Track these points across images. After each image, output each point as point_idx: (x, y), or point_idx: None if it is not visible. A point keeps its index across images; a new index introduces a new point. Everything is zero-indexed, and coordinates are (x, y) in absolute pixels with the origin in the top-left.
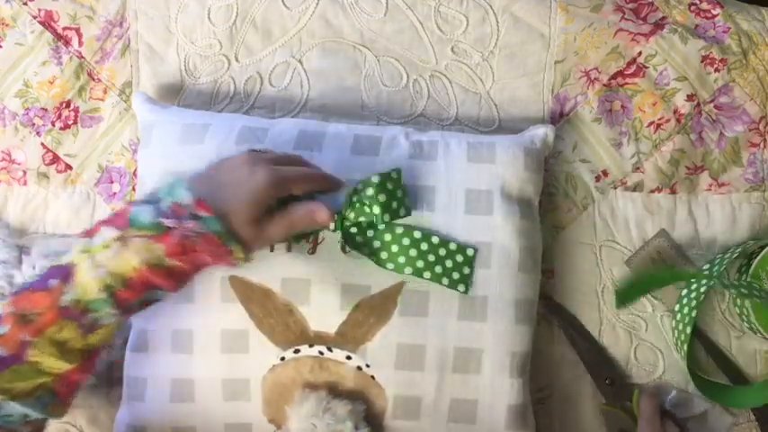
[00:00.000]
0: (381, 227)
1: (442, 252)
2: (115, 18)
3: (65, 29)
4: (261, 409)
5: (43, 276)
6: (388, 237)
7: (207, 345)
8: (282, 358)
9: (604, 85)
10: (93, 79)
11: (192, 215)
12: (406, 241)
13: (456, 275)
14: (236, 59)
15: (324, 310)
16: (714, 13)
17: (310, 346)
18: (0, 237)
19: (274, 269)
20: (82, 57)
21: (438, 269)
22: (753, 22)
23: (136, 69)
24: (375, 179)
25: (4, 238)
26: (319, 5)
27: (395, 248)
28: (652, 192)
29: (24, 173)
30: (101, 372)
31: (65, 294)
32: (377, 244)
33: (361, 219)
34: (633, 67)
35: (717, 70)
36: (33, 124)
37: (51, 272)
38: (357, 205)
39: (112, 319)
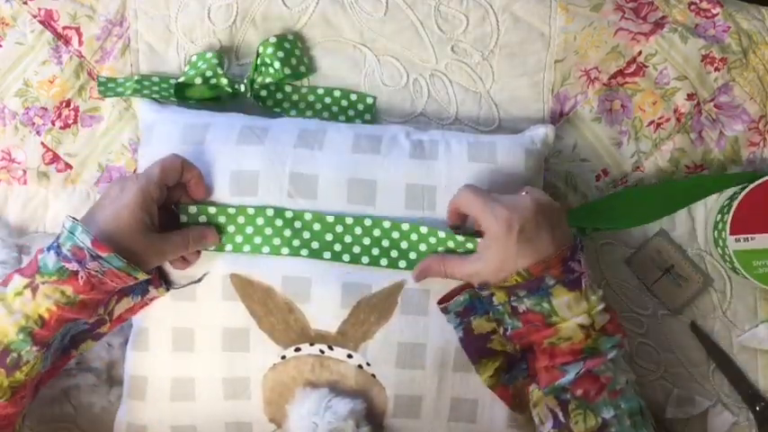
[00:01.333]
0: (289, 89)
1: (344, 103)
2: (115, 17)
3: (65, 28)
4: (261, 408)
5: None
6: (295, 97)
7: (207, 343)
8: (283, 357)
9: (604, 84)
10: (94, 79)
11: (93, 256)
12: (311, 98)
13: (357, 120)
14: (236, 58)
15: (324, 309)
16: (714, 12)
17: (311, 344)
18: (0, 236)
19: (275, 267)
20: (82, 56)
21: (341, 117)
22: (753, 21)
23: (136, 69)
24: (272, 40)
25: (3, 238)
26: (319, 5)
27: (302, 105)
28: None
29: (24, 172)
30: (101, 371)
31: None
32: (286, 104)
33: (268, 80)
34: (633, 67)
35: (717, 69)
36: (33, 123)
37: None
38: (262, 68)
39: (34, 354)
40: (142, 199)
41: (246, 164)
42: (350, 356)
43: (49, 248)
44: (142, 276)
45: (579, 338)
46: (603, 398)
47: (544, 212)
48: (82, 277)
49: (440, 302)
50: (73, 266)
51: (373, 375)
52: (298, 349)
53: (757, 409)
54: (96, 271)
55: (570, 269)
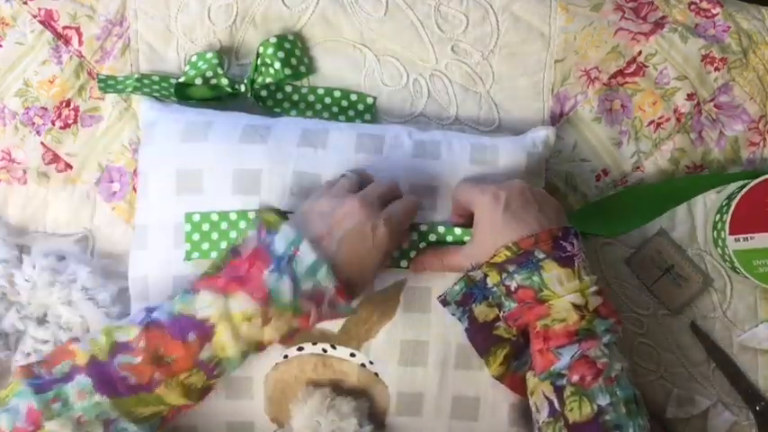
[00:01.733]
0: (289, 89)
1: (345, 103)
2: (115, 17)
3: (65, 28)
4: (263, 408)
5: (179, 325)
6: (295, 97)
7: None
8: (286, 356)
9: (604, 84)
10: (94, 78)
11: (331, 302)
12: (311, 98)
13: (357, 120)
14: (237, 58)
15: None
16: (714, 12)
17: (314, 343)
18: (0, 236)
19: None
20: (82, 56)
21: (341, 117)
22: (753, 21)
23: (136, 69)
24: (272, 40)
25: (4, 238)
26: (319, 5)
27: (302, 105)
28: None
29: (24, 172)
30: None
31: (203, 351)
32: (286, 104)
33: (268, 80)
34: (633, 67)
35: (717, 69)
36: (33, 123)
37: (187, 324)
38: (262, 68)
39: (234, 367)
40: (393, 245)
41: (249, 162)
42: (353, 355)
43: (278, 270)
44: (351, 314)
45: (573, 319)
46: (599, 384)
47: (533, 192)
48: (313, 317)
49: (439, 297)
50: (309, 306)
51: (376, 374)
52: (300, 348)
53: (757, 409)
54: (326, 314)
55: (562, 247)
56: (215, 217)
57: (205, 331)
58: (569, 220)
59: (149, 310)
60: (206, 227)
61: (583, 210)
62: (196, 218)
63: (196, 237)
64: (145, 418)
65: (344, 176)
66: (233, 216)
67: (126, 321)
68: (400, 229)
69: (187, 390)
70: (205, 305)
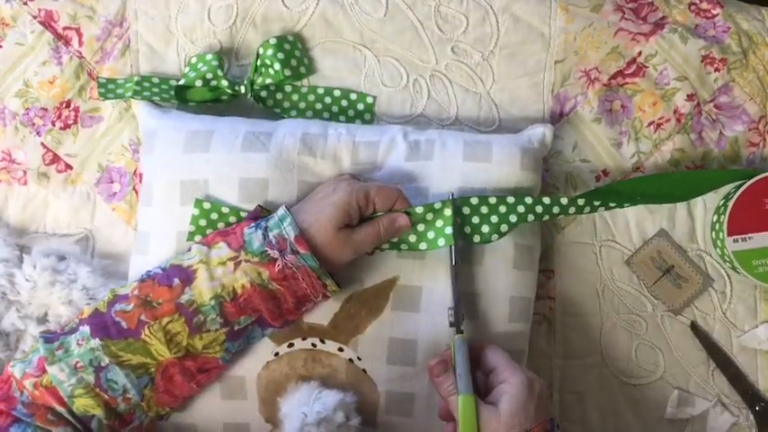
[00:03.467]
0: (288, 89)
1: (344, 103)
2: (115, 18)
3: (65, 29)
4: (257, 408)
5: (168, 273)
6: (295, 97)
7: None
8: (276, 354)
9: (604, 84)
10: (94, 79)
11: (293, 250)
12: (311, 98)
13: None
14: (236, 59)
15: (317, 303)
16: (714, 12)
17: (303, 339)
18: (0, 236)
19: None
20: (82, 57)
21: (341, 118)
22: (753, 21)
23: (136, 69)
24: (272, 41)
25: (4, 238)
26: (319, 5)
27: (302, 105)
28: None
29: (24, 173)
30: None
31: (184, 294)
32: (286, 104)
33: (268, 81)
34: (633, 67)
35: (717, 70)
36: (33, 124)
37: (174, 271)
38: (262, 69)
39: (216, 326)
40: (347, 201)
41: (254, 171)
42: (341, 350)
43: (257, 226)
44: (331, 284)
45: None
46: None
47: (542, 385)
48: (278, 265)
49: None
50: (274, 253)
51: (364, 370)
52: (291, 345)
53: (757, 409)
54: (292, 264)
55: None
56: (225, 209)
57: (188, 275)
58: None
59: (148, 271)
60: (214, 215)
61: (609, 187)
62: (206, 205)
63: (202, 222)
64: (132, 367)
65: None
66: (243, 214)
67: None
68: (359, 194)
69: (170, 338)
70: (192, 255)
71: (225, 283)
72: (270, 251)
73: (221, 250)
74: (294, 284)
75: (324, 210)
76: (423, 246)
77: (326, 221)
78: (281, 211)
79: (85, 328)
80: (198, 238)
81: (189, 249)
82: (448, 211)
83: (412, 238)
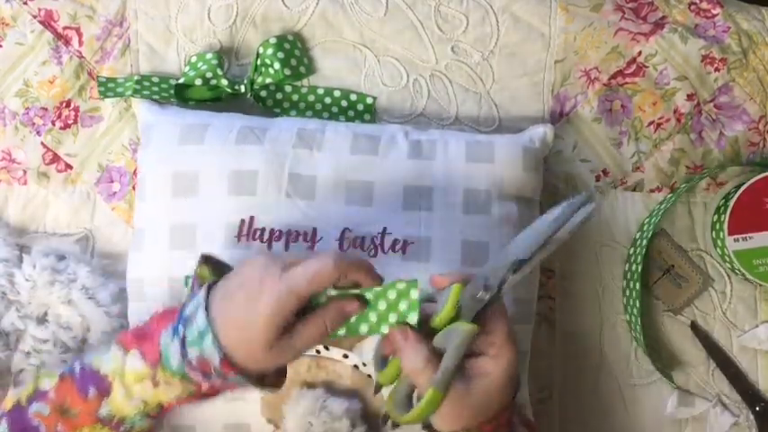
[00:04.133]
0: (288, 89)
1: (344, 103)
2: (115, 18)
3: (65, 28)
4: (259, 409)
5: (85, 377)
6: (295, 97)
7: None
8: None
9: (604, 84)
10: (94, 79)
11: (219, 374)
12: (311, 98)
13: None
14: (236, 59)
15: None
16: (714, 12)
17: None
18: (0, 236)
19: None
20: (82, 56)
21: (341, 118)
22: (753, 21)
23: (136, 69)
24: (272, 40)
25: (4, 237)
26: (319, 5)
27: (302, 106)
28: (652, 191)
29: (24, 172)
30: None
31: (102, 408)
32: (286, 104)
33: (268, 80)
34: (633, 67)
35: (717, 70)
36: (33, 124)
37: (91, 377)
38: (262, 69)
39: (148, 423)
40: (277, 312)
41: (246, 164)
42: (345, 356)
43: (174, 332)
44: (268, 390)
45: None
46: None
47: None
48: (204, 386)
49: None
50: (197, 376)
51: (369, 376)
52: None
53: (757, 409)
54: (221, 384)
55: None
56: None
57: (104, 386)
58: None
59: (79, 359)
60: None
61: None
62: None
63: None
64: None
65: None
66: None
67: (60, 368)
68: (296, 300)
69: None
70: (109, 359)
71: (147, 400)
72: (191, 374)
73: (135, 361)
74: (225, 388)
75: (250, 325)
76: (384, 329)
77: (256, 343)
78: (201, 317)
79: (2, 427)
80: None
81: (112, 343)
82: (414, 294)
83: (373, 317)
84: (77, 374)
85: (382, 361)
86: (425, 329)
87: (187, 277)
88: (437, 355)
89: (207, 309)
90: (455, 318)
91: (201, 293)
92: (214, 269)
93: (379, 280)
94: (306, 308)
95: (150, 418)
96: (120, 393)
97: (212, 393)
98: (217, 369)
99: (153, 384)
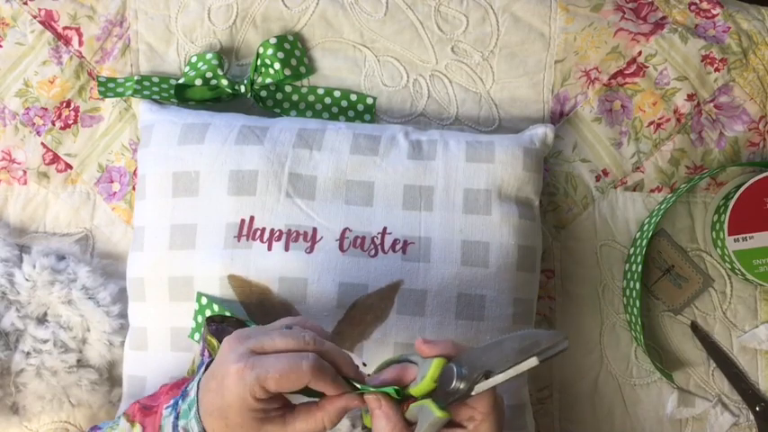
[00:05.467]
0: (288, 89)
1: (344, 103)
2: (115, 18)
3: (65, 28)
4: None
5: None
6: (295, 97)
7: None
8: None
9: (604, 84)
10: (94, 79)
11: None
12: (311, 98)
13: (357, 120)
14: (236, 59)
15: (321, 309)
16: (714, 12)
17: None
18: (0, 236)
19: (272, 268)
20: (82, 56)
21: (341, 118)
22: (753, 21)
23: (136, 69)
24: (273, 41)
25: (4, 237)
26: (319, 5)
27: (302, 106)
28: (652, 191)
29: (24, 172)
30: (102, 370)
31: None
32: (286, 105)
33: (268, 80)
34: (633, 67)
35: (717, 70)
36: (33, 124)
37: None
38: (262, 69)
39: None
40: (248, 399)
41: (246, 164)
42: None
43: (174, 405)
44: None
45: None
46: None
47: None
48: None
49: None
50: None
51: (369, 375)
52: None
53: (757, 409)
54: None
55: None
56: (216, 306)
57: None
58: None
59: (92, 429)
60: (208, 312)
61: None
62: (204, 300)
63: (200, 319)
64: None
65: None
66: (227, 313)
67: None
68: (261, 389)
69: None
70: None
71: None
72: None
73: None
74: None
75: (225, 414)
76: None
77: (238, 429)
78: (193, 392)
79: None
80: (197, 336)
81: (121, 416)
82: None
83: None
84: None
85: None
86: (401, 393)
87: (193, 329)
88: (408, 425)
89: (198, 385)
90: (431, 391)
91: (201, 370)
92: (219, 334)
93: (356, 380)
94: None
95: None
96: None
97: None
98: None
99: None
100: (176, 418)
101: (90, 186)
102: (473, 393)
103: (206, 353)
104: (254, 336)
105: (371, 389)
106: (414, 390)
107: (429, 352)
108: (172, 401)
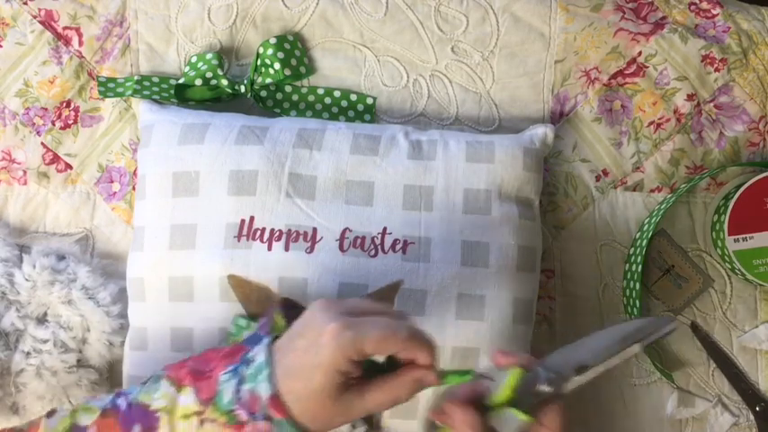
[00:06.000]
0: (288, 89)
1: (344, 104)
2: (115, 18)
3: (65, 28)
4: None
5: (131, 413)
6: (295, 97)
7: (206, 344)
8: None
9: (604, 84)
10: (94, 79)
11: (265, 415)
12: (311, 98)
13: (357, 120)
14: (236, 59)
15: None
16: (714, 12)
17: None
18: (0, 236)
19: (272, 268)
20: (82, 56)
21: (341, 118)
22: (753, 21)
23: (136, 69)
24: (273, 41)
25: (4, 237)
26: (319, 5)
27: (302, 106)
28: (652, 191)
29: (24, 172)
30: (101, 370)
31: None
32: (286, 105)
33: (268, 80)
34: (633, 67)
35: (717, 70)
36: (33, 124)
37: (138, 413)
38: (262, 69)
39: None
40: (337, 362)
41: (245, 164)
42: None
43: (235, 371)
44: None
45: None
46: None
47: None
48: (248, 430)
49: None
50: (242, 415)
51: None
52: None
53: (757, 409)
54: (263, 428)
55: None
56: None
57: (150, 423)
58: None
59: (118, 395)
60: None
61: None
62: (242, 322)
63: (242, 322)
64: None
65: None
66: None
67: (98, 401)
68: (356, 351)
69: None
70: (159, 395)
71: None
72: (238, 411)
73: (188, 397)
74: None
75: (310, 375)
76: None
77: (317, 392)
78: (261, 356)
79: None
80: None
81: (161, 377)
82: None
83: None
84: (123, 410)
85: (431, 426)
86: (479, 405)
87: (237, 327)
88: None
89: (270, 351)
90: (511, 401)
91: (267, 338)
92: (288, 315)
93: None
94: (374, 366)
95: None
96: (164, 430)
97: None
98: (264, 406)
99: (198, 422)
100: (239, 383)
101: (90, 186)
102: (565, 391)
103: (266, 329)
104: (346, 302)
105: (454, 371)
106: (493, 398)
107: (506, 362)
108: (230, 368)
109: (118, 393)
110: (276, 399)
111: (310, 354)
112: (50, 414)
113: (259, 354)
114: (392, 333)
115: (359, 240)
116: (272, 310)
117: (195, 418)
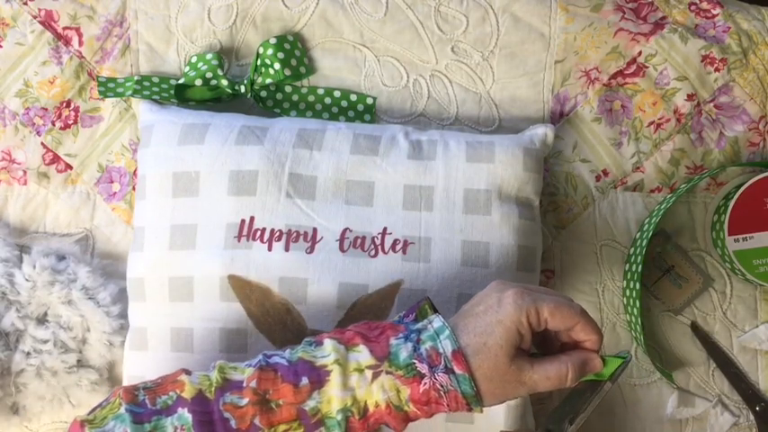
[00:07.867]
0: (288, 89)
1: (344, 103)
2: (115, 18)
3: (65, 29)
4: None
5: (295, 368)
6: (295, 97)
7: (206, 343)
8: None
9: (604, 84)
10: (94, 79)
11: (447, 367)
12: (311, 98)
13: (357, 120)
14: (236, 59)
15: (321, 309)
16: (714, 12)
17: None
18: (0, 236)
19: (272, 268)
20: (82, 56)
21: (341, 118)
22: (753, 21)
23: (136, 69)
24: (273, 41)
25: (4, 237)
26: (319, 5)
27: (302, 106)
28: (652, 191)
29: (24, 172)
30: (102, 370)
31: (310, 399)
32: (286, 105)
33: (268, 80)
34: (633, 67)
35: (717, 70)
36: (33, 124)
37: (304, 367)
38: (262, 69)
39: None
40: (518, 318)
41: (246, 164)
42: None
43: (406, 338)
44: (477, 409)
45: None
46: None
47: None
48: (425, 384)
49: None
50: (423, 368)
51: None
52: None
53: (757, 409)
54: (442, 386)
55: None
56: None
57: (319, 377)
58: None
59: (267, 356)
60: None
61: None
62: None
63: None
64: None
65: None
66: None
67: (242, 363)
68: (535, 312)
69: None
70: (326, 353)
71: (357, 397)
72: (418, 364)
73: (361, 355)
74: (434, 408)
75: (491, 330)
76: None
77: (496, 347)
78: (438, 322)
79: (187, 416)
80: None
81: (320, 342)
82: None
83: None
84: (282, 365)
85: None
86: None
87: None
88: None
89: (447, 320)
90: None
91: (437, 318)
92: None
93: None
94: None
95: (348, 425)
96: (337, 382)
97: (416, 413)
98: (448, 359)
99: (373, 375)
100: (416, 343)
101: (90, 186)
102: None
103: (411, 317)
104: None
105: (611, 356)
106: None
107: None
108: (401, 335)
109: (265, 354)
110: (459, 353)
111: (491, 313)
112: (187, 372)
113: (434, 321)
114: (568, 305)
115: (359, 240)
116: (425, 302)
117: (369, 372)
